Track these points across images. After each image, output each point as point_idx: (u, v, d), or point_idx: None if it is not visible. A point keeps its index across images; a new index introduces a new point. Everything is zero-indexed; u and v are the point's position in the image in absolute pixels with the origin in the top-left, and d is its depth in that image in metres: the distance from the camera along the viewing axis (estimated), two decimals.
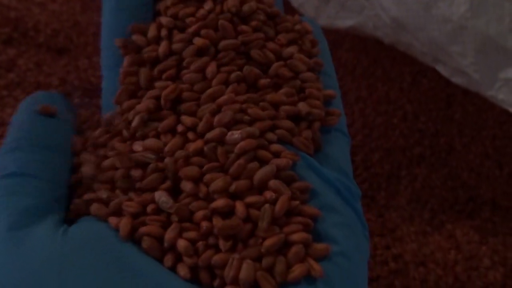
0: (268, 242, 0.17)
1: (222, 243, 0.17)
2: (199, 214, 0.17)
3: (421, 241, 0.35)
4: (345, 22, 0.34)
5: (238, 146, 0.18)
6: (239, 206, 0.17)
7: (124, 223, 0.17)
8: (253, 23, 0.21)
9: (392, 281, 0.33)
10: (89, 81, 0.43)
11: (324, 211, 0.18)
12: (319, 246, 0.17)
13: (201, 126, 0.19)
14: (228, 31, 0.20)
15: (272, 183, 0.18)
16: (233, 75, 0.20)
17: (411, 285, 0.33)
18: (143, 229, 0.17)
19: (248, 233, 0.17)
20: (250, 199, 0.17)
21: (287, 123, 0.19)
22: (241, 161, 0.18)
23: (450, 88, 0.45)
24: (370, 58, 0.47)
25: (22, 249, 0.17)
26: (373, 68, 0.46)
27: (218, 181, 0.17)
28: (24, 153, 0.19)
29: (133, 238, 0.17)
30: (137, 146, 0.19)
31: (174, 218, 0.17)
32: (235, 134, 0.18)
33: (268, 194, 0.17)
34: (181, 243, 0.17)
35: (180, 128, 0.19)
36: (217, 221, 0.17)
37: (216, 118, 0.19)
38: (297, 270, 0.16)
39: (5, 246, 0.17)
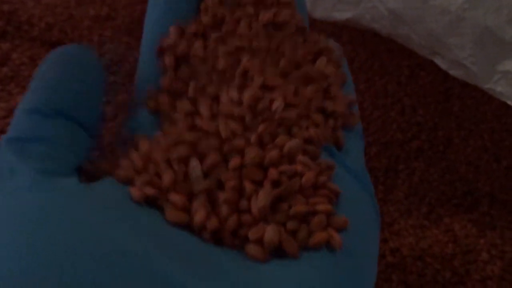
0: (296, 209, 0.18)
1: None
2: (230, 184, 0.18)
3: (419, 235, 0.35)
4: (342, 14, 0.34)
5: (279, 115, 0.19)
6: (272, 171, 0.18)
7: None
8: (285, 32, 0.23)
9: (390, 275, 0.33)
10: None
11: (345, 193, 0.19)
12: (339, 219, 0.18)
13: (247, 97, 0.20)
14: (260, 35, 0.22)
15: (301, 157, 0.19)
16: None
17: (408, 279, 0.33)
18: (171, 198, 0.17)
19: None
20: (283, 167, 0.18)
21: (319, 116, 0.21)
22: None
23: (448, 81, 0.44)
24: (368, 51, 0.46)
25: (49, 195, 0.16)
26: (371, 61, 0.46)
27: (251, 151, 0.18)
28: (43, 116, 0.18)
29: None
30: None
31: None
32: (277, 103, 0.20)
33: (299, 166, 0.18)
34: (212, 223, 0.17)
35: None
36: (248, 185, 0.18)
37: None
38: (319, 237, 0.18)
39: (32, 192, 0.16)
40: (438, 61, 0.29)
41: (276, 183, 0.18)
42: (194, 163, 0.18)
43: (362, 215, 0.19)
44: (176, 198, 0.18)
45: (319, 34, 0.24)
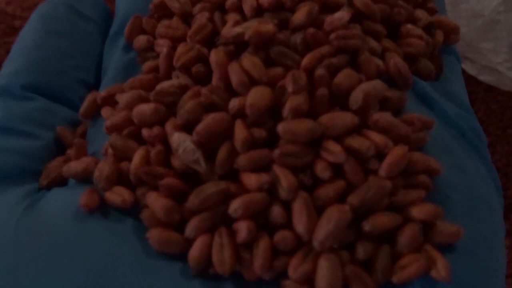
0: (375, 222, 0.11)
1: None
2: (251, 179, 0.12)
3: None
4: None
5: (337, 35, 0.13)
6: (334, 146, 0.12)
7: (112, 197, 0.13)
8: None
9: None
10: None
11: (442, 164, 0.13)
12: (447, 228, 0.12)
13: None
14: None
15: (379, 117, 0.13)
16: None
17: None
18: (149, 198, 0.13)
19: (336, 197, 0.12)
20: (352, 141, 0.12)
21: (413, 29, 0.15)
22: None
23: (471, 85, 0.43)
24: None
25: None
26: None
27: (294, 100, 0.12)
28: (14, 100, 0.16)
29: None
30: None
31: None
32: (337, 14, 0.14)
33: (379, 138, 0.12)
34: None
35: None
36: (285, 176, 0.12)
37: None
38: (411, 267, 0.11)
39: None
40: (466, 66, 0.28)
41: (336, 169, 0.12)
42: (177, 135, 0.13)
43: (479, 204, 0.13)
44: (156, 203, 0.12)
45: None
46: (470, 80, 0.35)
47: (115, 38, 0.18)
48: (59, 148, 0.17)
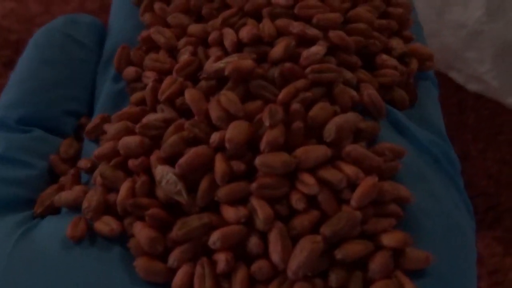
0: (347, 250, 0.12)
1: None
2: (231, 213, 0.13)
3: None
4: None
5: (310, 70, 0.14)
6: (308, 178, 0.13)
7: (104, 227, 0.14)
8: None
9: None
10: None
11: (414, 191, 0.13)
12: (416, 255, 0.12)
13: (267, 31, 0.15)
14: None
15: (352, 149, 0.13)
16: None
17: None
18: (135, 228, 0.13)
19: (311, 227, 0.13)
20: (324, 173, 0.13)
21: (388, 59, 0.15)
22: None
23: (461, 92, 0.43)
24: None
25: None
26: None
27: (272, 133, 0.13)
28: (10, 132, 0.17)
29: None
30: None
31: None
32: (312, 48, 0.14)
33: (350, 170, 0.13)
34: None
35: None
36: (263, 210, 0.13)
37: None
38: None
39: None
40: (453, 75, 0.28)
41: (311, 199, 0.13)
42: (161, 168, 0.14)
43: (451, 229, 0.13)
44: (142, 233, 0.13)
45: None
46: (460, 87, 0.35)
47: (106, 65, 0.19)
48: (52, 175, 0.17)
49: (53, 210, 0.16)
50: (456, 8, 0.23)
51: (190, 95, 0.14)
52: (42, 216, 0.16)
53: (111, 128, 0.15)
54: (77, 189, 0.15)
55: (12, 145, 0.17)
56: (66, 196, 0.15)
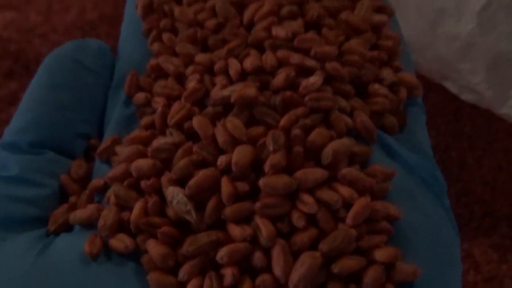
0: (343, 265, 0.13)
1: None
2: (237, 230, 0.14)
3: None
4: None
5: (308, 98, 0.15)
6: (307, 198, 0.14)
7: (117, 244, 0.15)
8: None
9: None
10: None
11: (404, 210, 0.14)
12: (405, 268, 0.14)
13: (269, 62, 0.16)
14: None
15: (347, 172, 0.14)
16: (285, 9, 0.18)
17: None
18: (149, 245, 0.14)
19: (310, 243, 0.14)
20: (323, 194, 0.14)
21: (378, 87, 0.17)
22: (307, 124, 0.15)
23: (457, 101, 0.44)
24: None
25: None
26: None
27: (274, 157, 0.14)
28: (24, 154, 0.18)
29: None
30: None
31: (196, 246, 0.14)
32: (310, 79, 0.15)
33: (345, 191, 0.14)
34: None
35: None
36: (266, 227, 0.14)
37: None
38: None
39: None
40: (448, 85, 0.29)
41: (310, 217, 0.14)
42: (172, 189, 0.15)
43: (438, 245, 0.15)
44: (155, 249, 0.14)
45: None
46: (456, 96, 0.36)
47: (116, 90, 0.20)
48: (63, 195, 0.18)
49: (66, 227, 0.17)
50: (449, 21, 0.24)
51: (197, 122, 0.15)
52: (56, 233, 0.17)
53: (123, 151, 0.16)
54: (91, 207, 0.16)
55: (26, 166, 0.17)
56: (80, 214, 0.16)
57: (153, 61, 0.19)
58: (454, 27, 0.23)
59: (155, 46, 0.19)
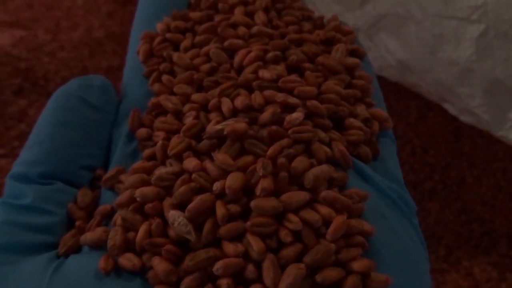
0: (324, 275, 0.15)
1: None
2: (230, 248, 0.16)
3: (439, 280, 0.35)
4: None
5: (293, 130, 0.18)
6: (293, 217, 0.16)
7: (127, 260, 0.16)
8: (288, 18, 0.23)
9: None
10: None
11: (376, 227, 0.17)
12: (379, 277, 0.16)
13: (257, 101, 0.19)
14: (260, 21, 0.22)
15: (327, 194, 0.16)
16: (270, 54, 0.21)
17: None
18: (154, 262, 0.16)
19: (296, 256, 0.16)
20: (306, 214, 0.16)
21: (354, 122, 0.19)
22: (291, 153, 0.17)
23: (457, 121, 0.45)
24: None
25: (7, 284, 0.16)
26: None
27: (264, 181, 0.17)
28: (34, 184, 0.19)
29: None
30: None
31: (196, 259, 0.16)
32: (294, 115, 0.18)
33: (325, 210, 0.16)
34: None
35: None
36: (257, 243, 0.16)
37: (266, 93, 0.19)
38: None
39: None
40: (447, 107, 0.29)
41: (295, 234, 0.16)
42: (173, 212, 0.17)
43: (407, 258, 0.17)
44: (160, 266, 0.16)
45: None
46: (455, 117, 0.36)
47: (120, 124, 0.22)
48: (70, 221, 0.20)
49: (74, 250, 0.18)
50: (448, 47, 0.24)
51: (186, 164, 0.18)
52: (66, 255, 0.18)
53: (128, 179, 0.18)
54: (99, 230, 0.18)
55: (38, 196, 0.19)
56: (91, 236, 0.18)
57: (154, 100, 0.21)
58: (453, 52, 0.24)
59: (156, 87, 0.21)
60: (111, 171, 0.20)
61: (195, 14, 0.23)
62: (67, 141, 0.20)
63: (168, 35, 0.23)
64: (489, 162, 0.42)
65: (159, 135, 0.19)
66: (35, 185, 0.19)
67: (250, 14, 0.23)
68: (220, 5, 0.23)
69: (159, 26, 0.23)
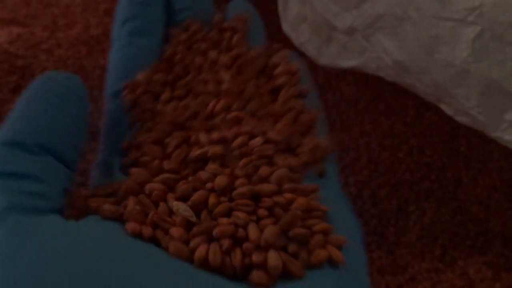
0: (295, 231, 0.20)
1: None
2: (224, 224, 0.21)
3: (434, 279, 0.35)
4: (347, 62, 0.35)
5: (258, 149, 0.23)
6: (266, 199, 0.21)
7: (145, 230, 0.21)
8: (246, 73, 0.29)
9: None
10: (95, 125, 0.44)
11: (333, 212, 0.21)
12: (337, 237, 0.21)
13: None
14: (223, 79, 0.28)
15: (289, 185, 0.22)
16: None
17: None
18: (171, 232, 0.20)
19: (271, 223, 0.21)
20: (277, 198, 0.21)
21: (304, 147, 0.25)
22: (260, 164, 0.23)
23: (454, 120, 0.45)
24: (372, 91, 0.47)
25: (27, 241, 0.16)
26: (376, 102, 0.47)
27: (242, 188, 0.21)
28: (26, 152, 0.19)
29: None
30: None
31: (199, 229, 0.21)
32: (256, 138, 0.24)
33: (288, 194, 0.21)
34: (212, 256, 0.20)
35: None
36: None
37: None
38: (320, 255, 0.20)
39: (6, 238, 0.16)
40: (444, 107, 0.29)
41: (270, 209, 0.21)
42: (176, 202, 0.21)
43: (351, 231, 0.22)
44: (176, 232, 0.20)
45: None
46: (451, 117, 0.37)
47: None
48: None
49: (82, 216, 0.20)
50: (444, 48, 0.25)
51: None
52: (76, 218, 0.20)
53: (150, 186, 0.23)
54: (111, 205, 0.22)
55: (38, 167, 0.19)
56: (109, 208, 0.21)
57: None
58: (449, 53, 0.24)
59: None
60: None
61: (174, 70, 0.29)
62: (57, 120, 0.21)
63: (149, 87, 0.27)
64: (485, 162, 0.42)
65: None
66: (34, 156, 0.19)
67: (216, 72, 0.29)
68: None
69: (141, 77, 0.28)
